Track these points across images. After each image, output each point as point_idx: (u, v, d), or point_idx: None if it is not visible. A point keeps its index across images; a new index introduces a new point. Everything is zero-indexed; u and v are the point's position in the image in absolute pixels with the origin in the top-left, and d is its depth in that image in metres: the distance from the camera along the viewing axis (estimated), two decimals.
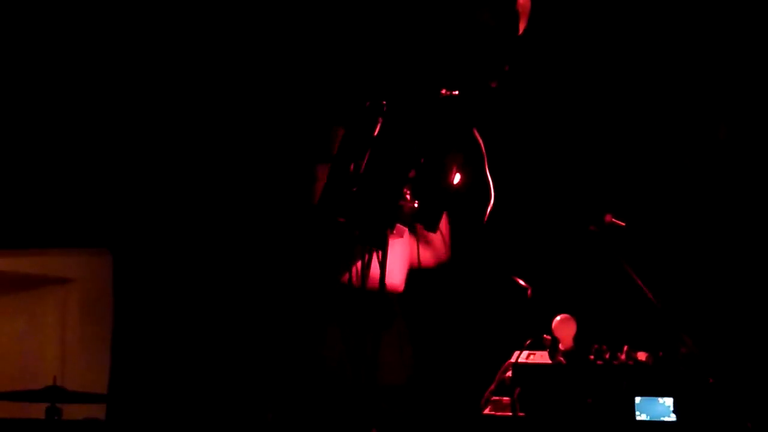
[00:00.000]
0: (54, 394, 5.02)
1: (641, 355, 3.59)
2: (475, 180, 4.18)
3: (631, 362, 3.56)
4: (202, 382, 6.01)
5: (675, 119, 5.28)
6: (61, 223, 5.93)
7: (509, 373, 3.62)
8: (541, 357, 3.65)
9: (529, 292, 4.00)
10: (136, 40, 5.82)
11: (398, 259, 4.16)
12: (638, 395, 3.50)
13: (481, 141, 4.07)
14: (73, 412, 5.35)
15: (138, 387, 5.90)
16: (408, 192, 3.68)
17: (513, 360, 3.63)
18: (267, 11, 5.68)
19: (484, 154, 4.10)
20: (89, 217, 5.96)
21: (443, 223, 4.17)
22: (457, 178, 3.88)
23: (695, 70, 5.23)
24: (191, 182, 5.99)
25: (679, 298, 4.75)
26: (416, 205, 3.67)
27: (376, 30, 5.34)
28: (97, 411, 5.81)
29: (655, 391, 3.51)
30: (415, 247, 4.25)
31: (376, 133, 3.68)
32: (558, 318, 3.69)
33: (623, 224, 4.36)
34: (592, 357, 3.58)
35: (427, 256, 4.31)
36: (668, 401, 3.50)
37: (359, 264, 3.84)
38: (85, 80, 5.85)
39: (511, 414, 3.57)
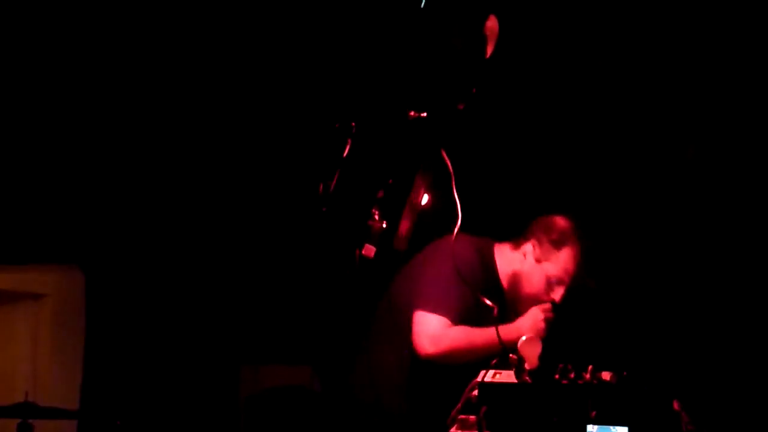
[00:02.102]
0: (26, 410, 5.01)
1: (606, 375, 3.61)
2: (442, 200, 4.24)
3: (595, 381, 3.58)
4: (174, 398, 6.02)
5: (644, 138, 5.32)
6: (34, 239, 5.92)
7: (475, 392, 3.64)
8: (507, 376, 3.67)
9: (495, 311, 4.04)
10: (108, 57, 5.84)
11: None
12: (593, 423, 3.51)
13: (448, 162, 4.12)
14: (44, 428, 5.34)
15: (110, 403, 5.91)
16: (376, 212, 3.73)
17: (479, 379, 3.65)
18: (232, 31, 5.73)
19: (452, 174, 4.14)
20: (62, 233, 5.97)
21: None
22: (425, 198, 3.93)
23: (665, 90, 5.27)
24: (162, 199, 6.00)
25: (644, 317, 4.79)
26: (384, 225, 3.71)
27: (345, 52, 5.38)
28: (67, 427, 5.81)
29: (612, 418, 3.51)
30: None
31: (345, 154, 3.72)
32: (524, 338, 3.72)
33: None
34: (557, 376, 3.60)
35: None
36: (622, 430, 3.50)
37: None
38: (56, 96, 5.85)
39: None
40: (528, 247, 4.47)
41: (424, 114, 3.80)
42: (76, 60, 5.79)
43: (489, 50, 3.83)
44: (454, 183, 4.04)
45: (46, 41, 5.73)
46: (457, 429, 3.66)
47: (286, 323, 5.95)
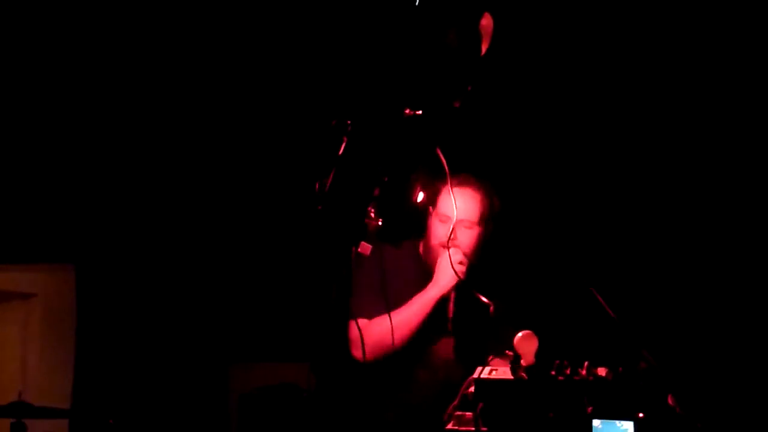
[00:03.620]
0: (19, 410, 4.99)
1: (601, 371, 3.63)
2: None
3: (591, 378, 3.59)
4: (166, 398, 6.02)
5: (643, 138, 5.34)
6: (24, 238, 5.92)
7: (472, 389, 3.65)
8: (504, 373, 3.68)
9: (491, 308, 4.05)
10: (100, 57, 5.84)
11: None
12: (598, 417, 3.52)
13: (444, 160, 4.13)
14: (37, 427, 5.33)
15: (101, 403, 5.90)
16: (372, 210, 3.75)
17: (475, 375, 3.66)
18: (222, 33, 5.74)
19: (447, 172, 4.15)
20: (53, 232, 5.96)
21: None
22: (420, 196, 3.94)
23: (664, 90, 5.29)
24: (155, 197, 6.00)
25: (638, 313, 4.80)
26: (380, 223, 3.74)
27: (340, 50, 5.39)
28: (58, 426, 5.81)
29: (616, 413, 3.52)
30: None
31: (340, 152, 3.74)
32: (520, 334, 3.73)
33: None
34: (553, 372, 3.61)
35: None
36: (627, 425, 3.51)
37: None
38: (47, 94, 5.84)
39: (473, 429, 3.60)
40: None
41: (420, 112, 3.81)
42: (69, 56, 5.80)
43: (484, 48, 3.85)
44: (449, 181, 4.06)
45: (40, 40, 5.73)
46: (453, 425, 3.67)
47: (283, 322, 5.96)
